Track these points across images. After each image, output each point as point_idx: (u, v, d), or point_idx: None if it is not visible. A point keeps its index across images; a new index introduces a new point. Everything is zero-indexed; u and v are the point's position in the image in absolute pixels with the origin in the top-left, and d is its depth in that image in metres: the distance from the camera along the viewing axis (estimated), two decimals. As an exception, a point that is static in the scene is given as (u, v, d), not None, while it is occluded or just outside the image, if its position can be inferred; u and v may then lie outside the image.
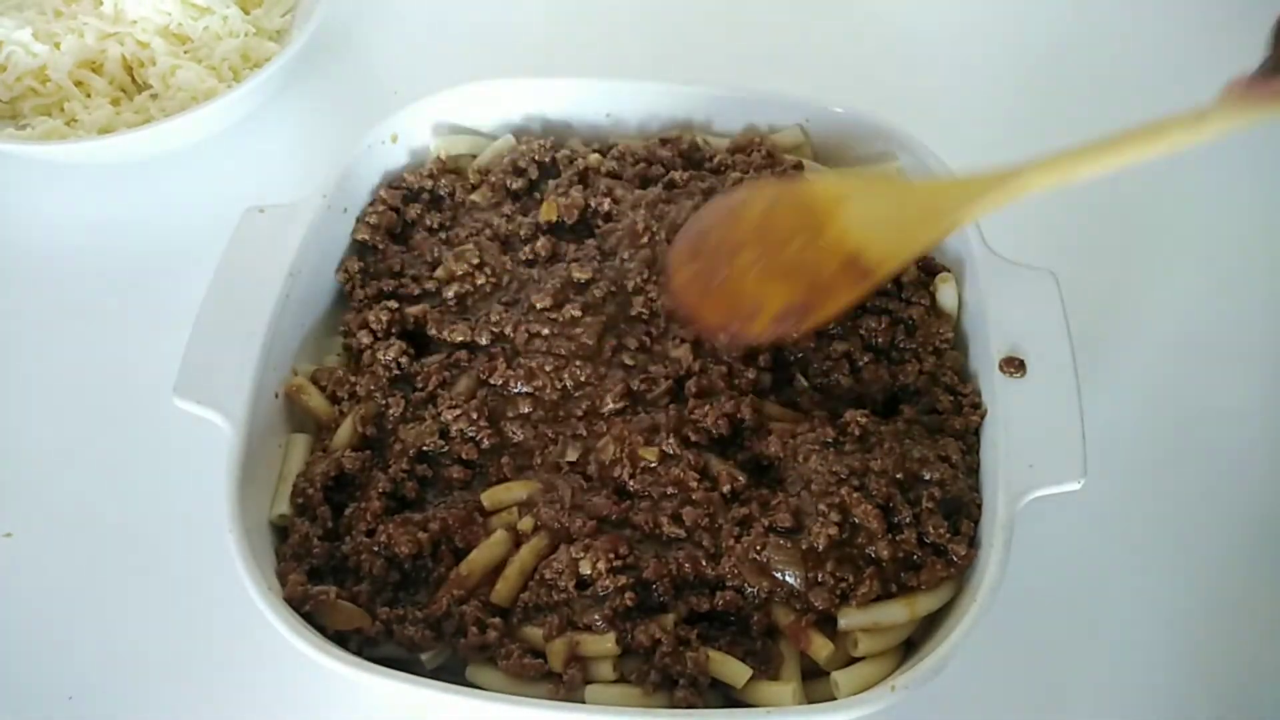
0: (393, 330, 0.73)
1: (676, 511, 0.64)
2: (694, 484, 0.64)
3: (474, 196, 0.81)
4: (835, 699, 0.57)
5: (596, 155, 0.83)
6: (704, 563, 0.62)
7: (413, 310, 0.74)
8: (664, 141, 0.84)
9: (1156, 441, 0.78)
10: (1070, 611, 0.70)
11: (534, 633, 0.60)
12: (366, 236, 0.78)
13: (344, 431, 0.69)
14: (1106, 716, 0.67)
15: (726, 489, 0.64)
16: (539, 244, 0.77)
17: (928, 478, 0.63)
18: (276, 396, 0.69)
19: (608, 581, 0.60)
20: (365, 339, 0.73)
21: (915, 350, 0.72)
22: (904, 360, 0.72)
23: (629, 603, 0.60)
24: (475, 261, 0.75)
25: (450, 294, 0.75)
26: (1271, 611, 0.71)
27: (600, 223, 0.79)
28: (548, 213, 0.79)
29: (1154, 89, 1.02)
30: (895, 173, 0.80)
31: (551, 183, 0.81)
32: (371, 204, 0.81)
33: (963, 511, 0.64)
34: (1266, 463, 0.77)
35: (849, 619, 0.60)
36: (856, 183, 0.72)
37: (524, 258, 0.77)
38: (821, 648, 0.59)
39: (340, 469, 0.66)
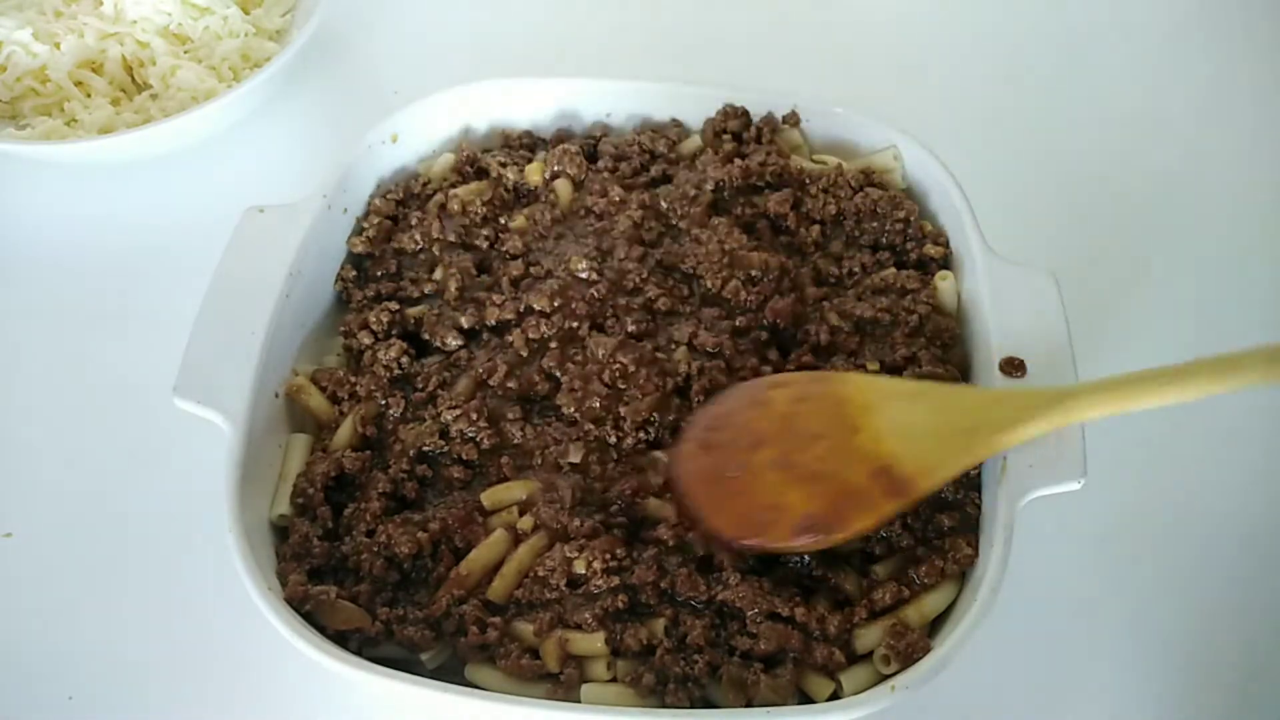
0: (393, 331, 0.74)
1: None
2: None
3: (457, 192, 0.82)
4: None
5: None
6: (702, 585, 0.61)
7: (413, 311, 0.75)
8: (654, 135, 0.84)
9: (1156, 441, 0.77)
10: (1070, 611, 0.70)
11: (525, 628, 0.60)
12: (363, 249, 0.78)
13: (344, 432, 0.69)
14: (1106, 716, 0.67)
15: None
16: (516, 222, 0.79)
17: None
18: (276, 396, 0.69)
19: (600, 581, 0.60)
20: (366, 339, 0.73)
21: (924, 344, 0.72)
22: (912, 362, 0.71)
23: (620, 604, 0.60)
24: (474, 263, 0.75)
25: (448, 296, 0.75)
26: (1271, 611, 0.71)
27: (594, 221, 0.79)
28: (534, 174, 0.80)
29: (1150, 85, 1.03)
30: (939, 384, 0.67)
31: (541, 153, 0.83)
32: (365, 215, 0.80)
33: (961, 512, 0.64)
34: (1266, 462, 0.77)
35: (865, 639, 0.60)
36: (896, 385, 0.64)
37: (510, 252, 0.77)
38: (823, 689, 0.58)
39: (340, 469, 0.66)
